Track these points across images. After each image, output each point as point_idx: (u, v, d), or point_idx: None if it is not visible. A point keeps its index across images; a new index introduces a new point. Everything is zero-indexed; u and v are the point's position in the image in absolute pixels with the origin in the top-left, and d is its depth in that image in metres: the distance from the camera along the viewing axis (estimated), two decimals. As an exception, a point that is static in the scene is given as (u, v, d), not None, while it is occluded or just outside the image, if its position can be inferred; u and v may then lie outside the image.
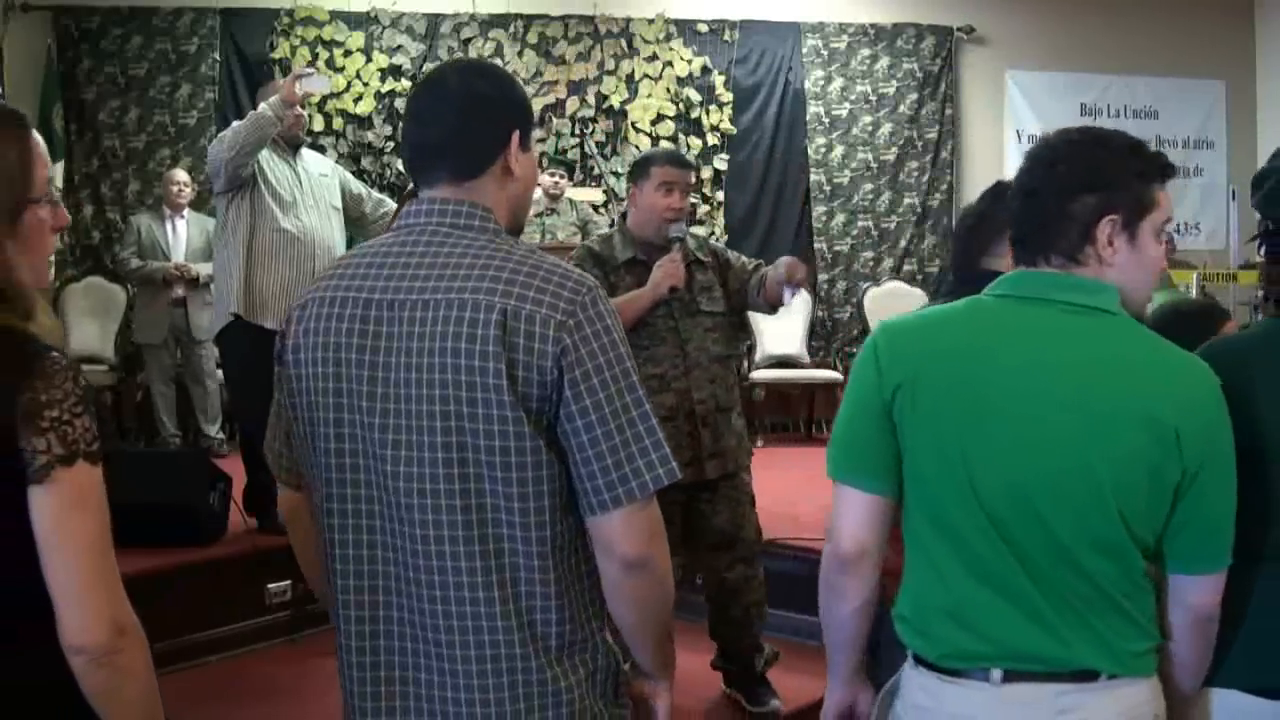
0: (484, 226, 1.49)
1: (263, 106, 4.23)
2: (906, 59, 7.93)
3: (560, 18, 7.60)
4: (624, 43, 7.65)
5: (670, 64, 7.67)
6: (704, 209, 7.65)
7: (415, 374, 1.42)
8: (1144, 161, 1.55)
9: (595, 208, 7.12)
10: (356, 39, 7.39)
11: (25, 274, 1.39)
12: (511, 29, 7.55)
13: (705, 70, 7.71)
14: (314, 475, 1.52)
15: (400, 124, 7.78)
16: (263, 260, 4.32)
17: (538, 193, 6.10)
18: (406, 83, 7.39)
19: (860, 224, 7.92)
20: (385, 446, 1.43)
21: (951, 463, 1.50)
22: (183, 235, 6.46)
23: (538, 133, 5.68)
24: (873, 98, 7.92)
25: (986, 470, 1.48)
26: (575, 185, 6.97)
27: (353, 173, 5.50)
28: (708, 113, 7.71)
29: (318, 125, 7.22)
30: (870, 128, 7.91)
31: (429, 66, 7.35)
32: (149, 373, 6.54)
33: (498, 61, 7.23)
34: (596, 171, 7.56)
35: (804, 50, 7.82)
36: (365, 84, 7.38)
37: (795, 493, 5.03)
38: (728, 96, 7.73)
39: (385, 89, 7.40)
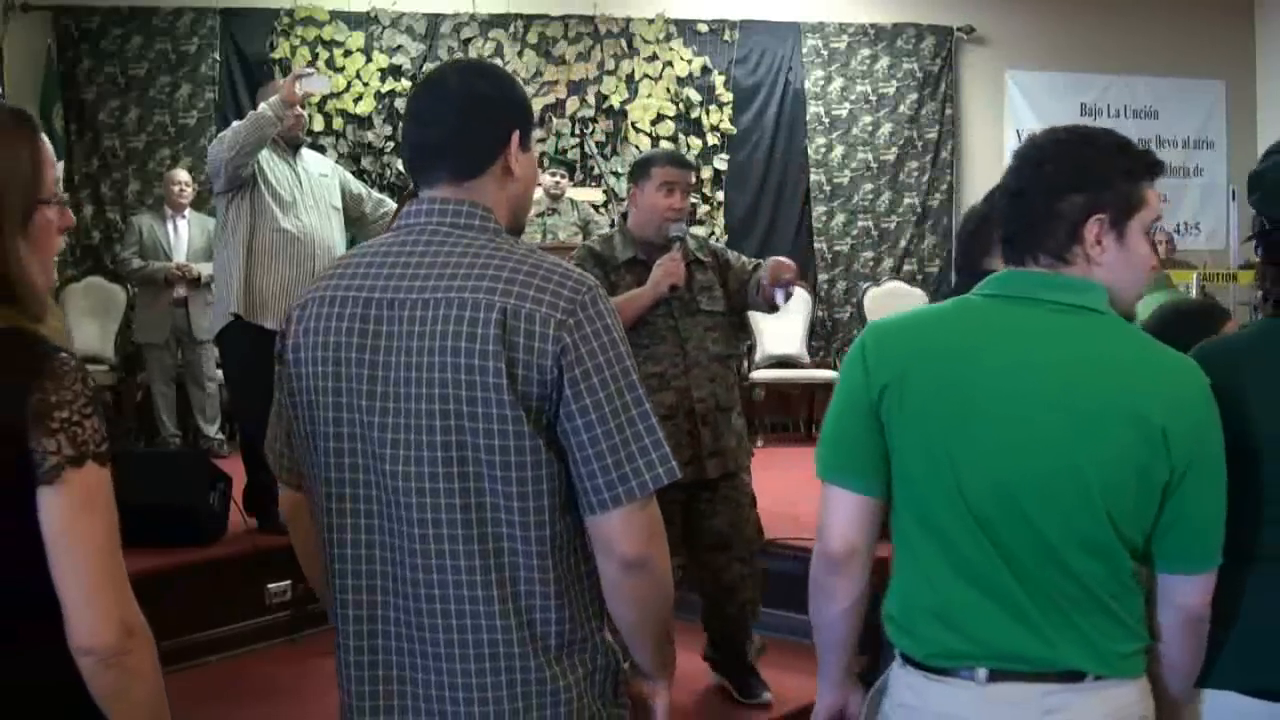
0: (484, 226, 1.49)
1: (263, 106, 4.23)
2: (906, 59, 7.94)
3: (560, 18, 7.60)
4: (624, 43, 7.65)
5: (670, 64, 7.67)
6: (704, 209, 7.65)
7: (415, 373, 1.42)
8: (1132, 160, 1.54)
9: (595, 207, 7.13)
10: (356, 39, 7.39)
11: (37, 275, 1.40)
12: (511, 29, 7.55)
13: (705, 70, 7.72)
14: (314, 475, 1.52)
15: (400, 124, 7.77)
16: (263, 260, 4.32)
17: (539, 193, 6.11)
18: (406, 83, 7.39)
19: (860, 224, 7.92)
20: (385, 446, 1.43)
21: (938, 463, 1.50)
22: (184, 235, 6.46)
23: (538, 133, 5.69)
24: (873, 98, 7.92)
25: (973, 471, 1.48)
26: (575, 185, 6.98)
27: (353, 173, 5.50)
28: (708, 113, 7.71)
29: (318, 125, 7.22)
30: (870, 128, 7.91)
31: (429, 66, 7.35)
32: (150, 373, 6.54)
33: (498, 61, 7.23)
34: (596, 171, 7.56)
35: (804, 50, 7.82)
36: (365, 84, 7.38)
37: (795, 493, 5.02)
38: (728, 96, 7.73)
39: (385, 89, 7.40)
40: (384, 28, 7.44)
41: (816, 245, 7.83)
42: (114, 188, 7.24)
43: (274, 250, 4.33)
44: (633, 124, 7.61)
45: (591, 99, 7.60)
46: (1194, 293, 6.05)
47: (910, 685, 1.55)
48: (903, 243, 7.94)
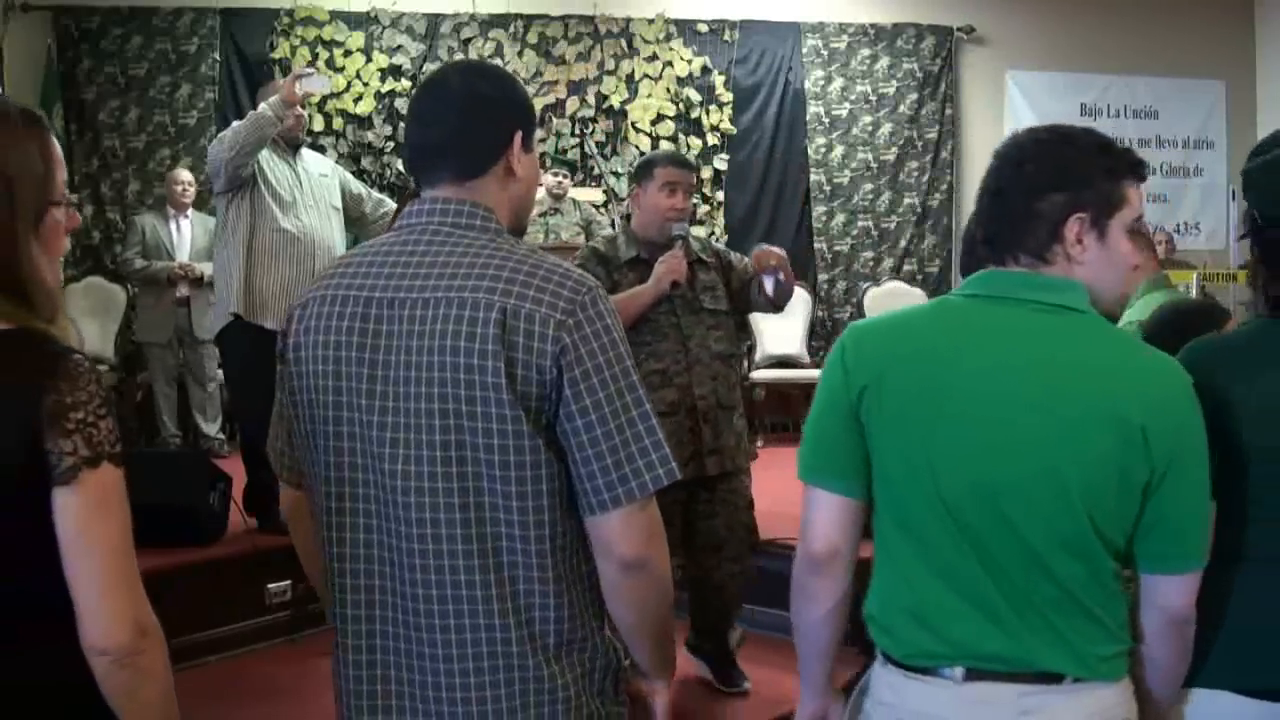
0: (485, 226, 1.50)
1: (263, 106, 4.23)
2: (906, 59, 7.94)
3: (560, 18, 7.60)
4: (624, 43, 7.65)
5: (670, 64, 7.67)
6: (704, 209, 7.65)
7: (415, 372, 1.42)
8: (1113, 159, 1.53)
9: (596, 207, 7.13)
10: (356, 39, 7.39)
11: (49, 275, 1.40)
12: (511, 29, 7.55)
13: (705, 70, 7.72)
14: (314, 474, 1.52)
15: (400, 124, 7.80)
16: (263, 260, 4.32)
17: (541, 193, 6.11)
18: (406, 83, 7.39)
19: (860, 224, 7.92)
20: (384, 445, 1.43)
21: (916, 464, 1.49)
22: (187, 235, 6.47)
23: (538, 133, 5.65)
24: (873, 98, 7.92)
25: (952, 472, 1.47)
26: (575, 185, 6.98)
27: (353, 173, 5.50)
28: (708, 113, 7.71)
29: (318, 125, 7.22)
30: (870, 128, 7.91)
31: (429, 66, 7.36)
32: (152, 372, 6.54)
33: (498, 61, 7.24)
34: (596, 171, 7.56)
35: (804, 50, 7.82)
36: (365, 84, 7.39)
37: (794, 493, 4.99)
38: (728, 96, 7.73)
39: (385, 89, 7.40)
40: (384, 28, 7.44)
41: (816, 245, 7.83)
42: (114, 188, 7.24)
43: (274, 250, 4.33)
44: (633, 124, 7.61)
45: (591, 99, 7.60)
46: (1194, 293, 6.05)
47: (890, 684, 1.55)
48: (903, 243, 7.94)
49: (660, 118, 7.63)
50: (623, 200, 7.37)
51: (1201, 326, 2.07)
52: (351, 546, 1.48)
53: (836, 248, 7.89)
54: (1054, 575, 1.45)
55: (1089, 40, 8.06)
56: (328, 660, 1.56)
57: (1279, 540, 1.61)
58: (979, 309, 1.53)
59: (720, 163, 7.70)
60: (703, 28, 7.74)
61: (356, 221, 4.71)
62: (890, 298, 7.48)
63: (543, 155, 7.03)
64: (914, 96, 7.94)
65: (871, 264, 7.93)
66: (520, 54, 7.52)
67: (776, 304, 3.43)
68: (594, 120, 7.61)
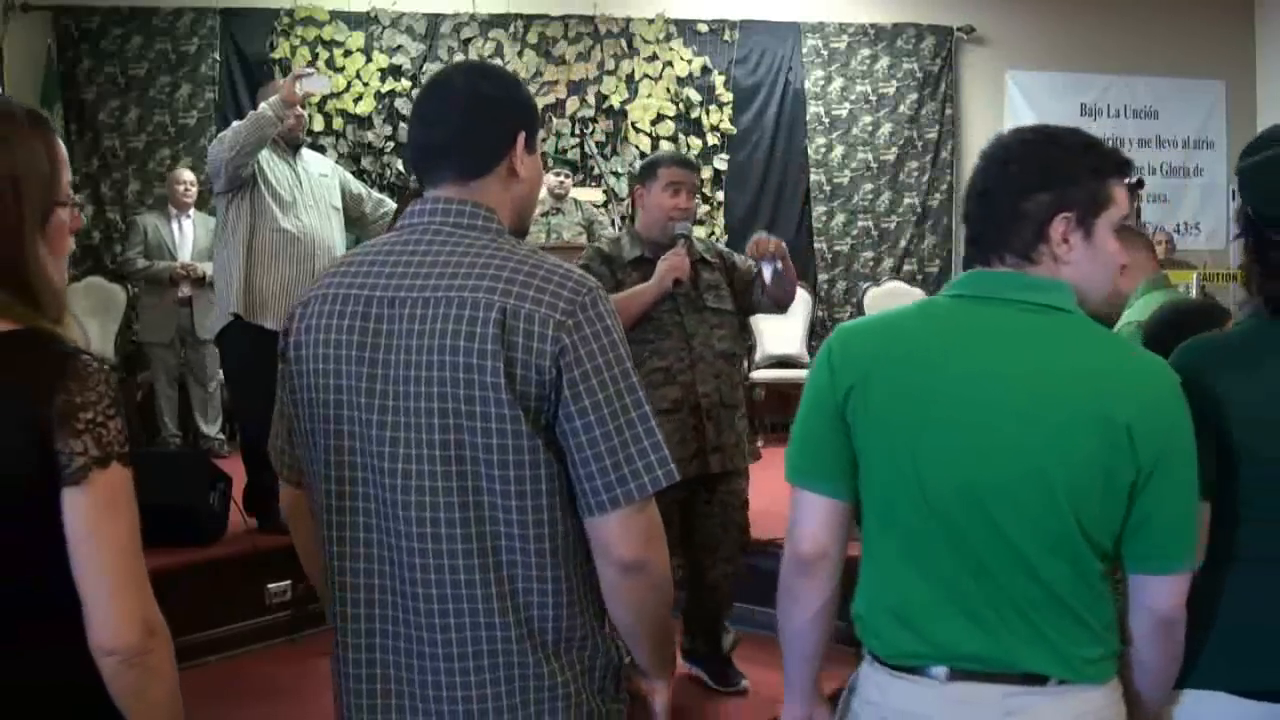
0: (486, 226, 1.50)
1: (263, 106, 4.24)
2: (906, 59, 7.94)
3: (560, 18, 7.60)
4: (624, 43, 7.65)
5: (670, 64, 7.67)
6: (704, 209, 7.65)
7: (414, 372, 1.42)
8: (1099, 158, 1.53)
9: (597, 207, 7.13)
10: (356, 39, 7.39)
11: (56, 276, 1.40)
12: (511, 29, 7.55)
13: (705, 70, 7.72)
14: (313, 472, 1.52)
15: (400, 124, 7.80)
16: (263, 260, 4.33)
17: (543, 192, 6.11)
18: (406, 83, 7.39)
19: (860, 224, 7.92)
20: (384, 444, 1.44)
21: (902, 467, 1.49)
22: (189, 235, 6.47)
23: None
24: (873, 98, 7.92)
25: (938, 476, 1.47)
26: (575, 185, 6.98)
27: (353, 173, 5.51)
28: (708, 113, 7.71)
29: (318, 125, 7.23)
30: (870, 128, 7.91)
31: (429, 66, 7.37)
32: (154, 372, 6.54)
33: (497, 61, 7.24)
34: (596, 171, 7.56)
35: (804, 50, 7.82)
36: (365, 84, 7.39)
37: (794, 493, 5.02)
38: (728, 96, 7.73)
39: (385, 89, 7.40)
40: (384, 28, 7.44)
41: (816, 245, 7.83)
42: (114, 188, 7.24)
43: (274, 250, 4.33)
44: (633, 124, 7.61)
45: (591, 99, 7.60)
46: (1194, 293, 6.04)
47: (876, 683, 1.55)
48: (903, 243, 7.94)
49: (660, 118, 7.63)
50: (623, 200, 7.38)
51: (1201, 326, 2.06)
52: (351, 545, 1.48)
53: (836, 248, 7.89)
54: (1040, 577, 1.45)
55: (1089, 40, 8.06)
56: (328, 660, 1.56)
57: (1271, 540, 1.61)
58: (965, 310, 1.53)
59: (720, 163, 7.70)
60: (703, 28, 7.74)
61: (356, 221, 4.71)
62: (890, 298, 7.48)
63: (543, 155, 7.02)
64: (914, 96, 7.94)
65: (871, 264, 7.93)
66: (520, 54, 7.52)
67: (780, 303, 3.47)
68: (594, 120, 7.61)
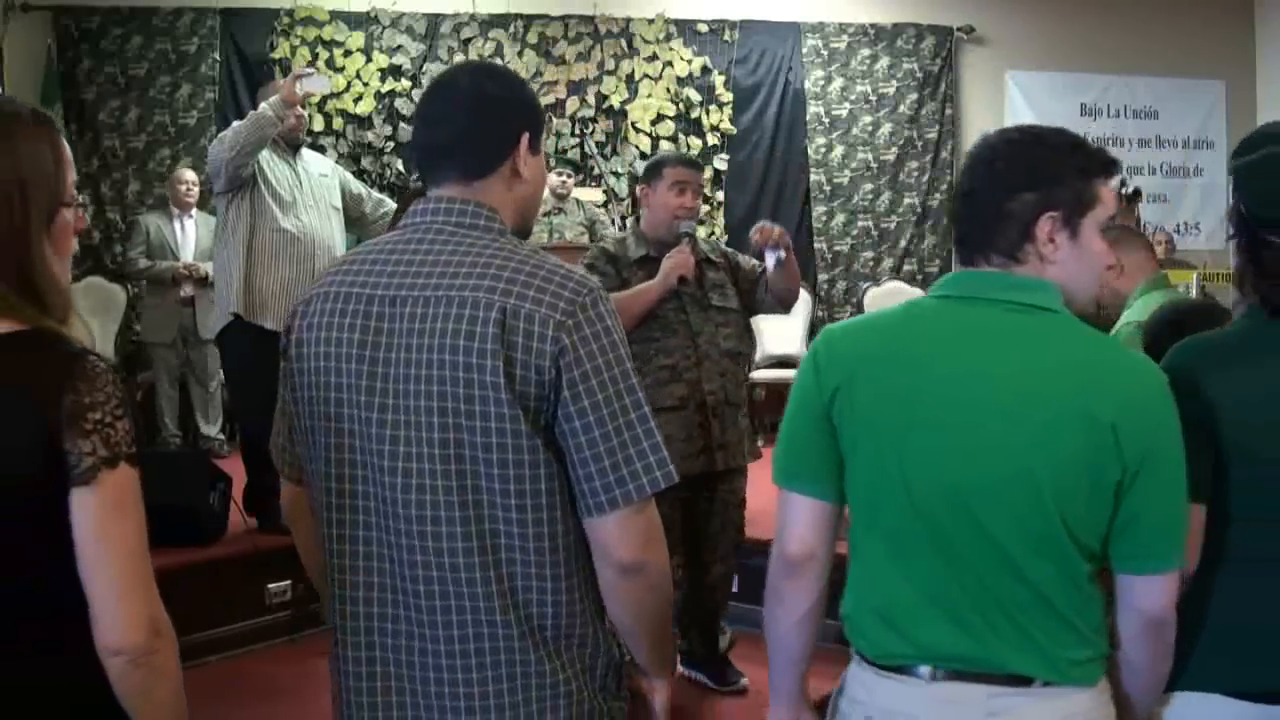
0: (489, 226, 1.50)
1: (263, 106, 4.24)
2: (906, 59, 7.94)
3: (560, 18, 7.60)
4: (624, 43, 7.65)
5: (670, 64, 7.68)
6: (704, 209, 7.64)
7: (414, 370, 1.42)
8: (1085, 158, 1.52)
9: (598, 207, 7.13)
10: (356, 39, 7.40)
11: (61, 276, 1.40)
12: (511, 29, 7.55)
13: (705, 70, 7.72)
14: (313, 470, 1.52)
15: (400, 124, 7.78)
16: (263, 260, 4.33)
17: (544, 192, 6.11)
18: (406, 83, 7.39)
19: (860, 224, 7.92)
20: (384, 442, 1.44)
21: (887, 468, 1.49)
22: (191, 234, 6.46)
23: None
24: (873, 98, 7.92)
25: (923, 477, 1.47)
26: (575, 185, 6.98)
27: (353, 173, 5.51)
28: (708, 113, 7.71)
29: (318, 125, 7.23)
30: (870, 128, 7.92)
31: (429, 66, 7.37)
32: (155, 372, 6.54)
33: (497, 61, 7.24)
34: (596, 171, 7.56)
35: (804, 50, 7.82)
36: (365, 84, 7.39)
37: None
38: (728, 96, 7.74)
39: (385, 89, 7.40)
40: (384, 28, 7.44)
41: (816, 245, 7.83)
42: (114, 188, 7.24)
43: (274, 250, 4.33)
44: (633, 124, 7.61)
45: (591, 99, 7.60)
46: (1194, 293, 6.04)
47: (863, 682, 1.54)
48: (903, 243, 7.94)
49: (660, 118, 7.63)
50: (622, 200, 7.38)
51: (1201, 326, 2.06)
52: (351, 543, 1.49)
53: (836, 248, 7.89)
54: (1026, 578, 1.44)
55: (1089, 40, 8.06)
56: (327, 660, 1.56)
57: (1266, 541, 1.60)
58: (951, 310, 1.53)
59: (720, 163, 7.71)
60: (703, 28, 7.74)
61: (356, 221, 4.71)
62: (890, 298, 7.48)
63: (545, 156, 7.02)
64: (914, 96, 7.94)
65: (871, 264, 7.93)
66: (520, 54, 7.52)
67: (783, 300, 3.52)
68: (594, 120, 7.61)
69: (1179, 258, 7.22)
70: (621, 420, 1.41)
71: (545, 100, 7.48)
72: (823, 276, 7.83)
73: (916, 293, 7.53)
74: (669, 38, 7.69)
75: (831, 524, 1.58)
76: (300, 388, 1.51)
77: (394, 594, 1.46)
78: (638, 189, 3.59)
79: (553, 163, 6.85)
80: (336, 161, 5.86)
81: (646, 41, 7.67)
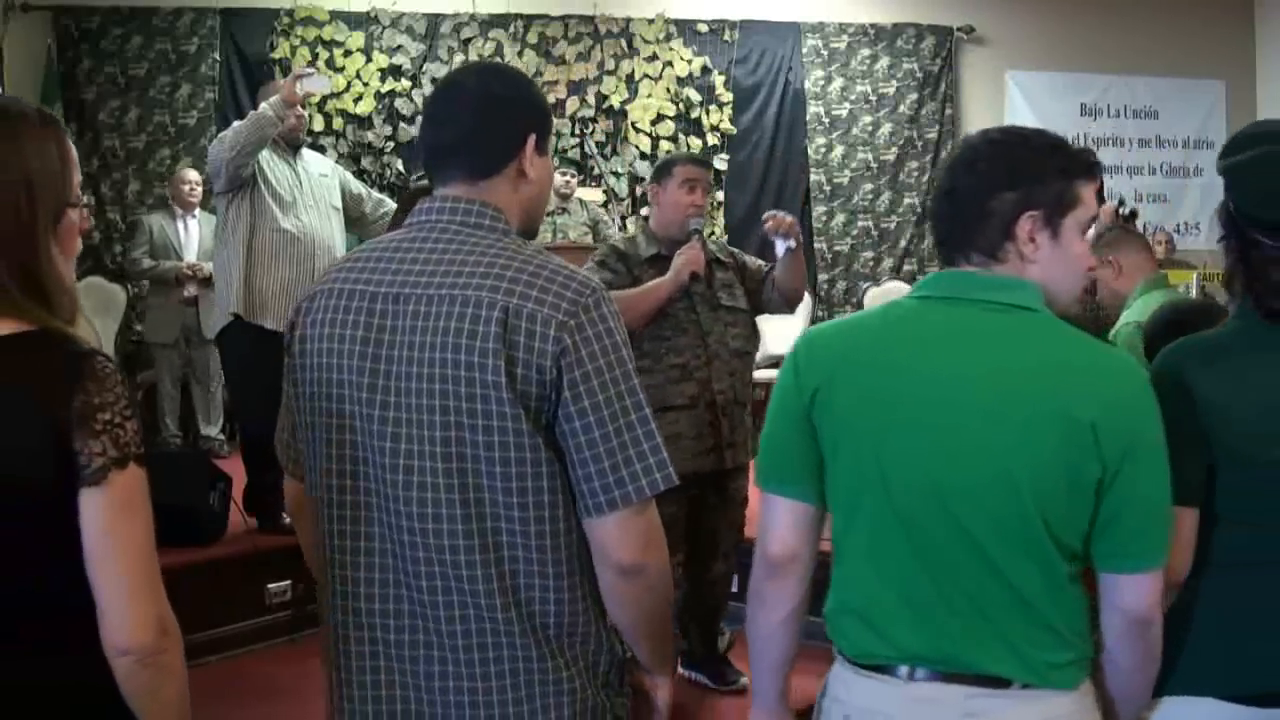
0: (493, 226, 1.50)
1: (263, 106, 4.24)
2: (906, 59, 7.94)
3: (560, 18, 7.60)
4: (624, 43, 7.65)
5: (670, 64, 7.68)
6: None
7: (416, 368, 1.42)
8: (1067, 158, 1.52)
9: (601, 207, 7.14)
10: (356, 39, 7.40)
11: (68, 276, 1.40)
12: (511, 29, 7.55)
13: (705, 70, 7.72)
14: (315, 466, 1.52)
15: (400, 124, 7.75)
16: (263, 260, 4.33)
17: (549, 192, 6.11)
18: (406, 83, 7.40)
19: (860, 224, 7.93)
20: (385, 439, 1.44)
21: (866, 469, 1.49)
22: (194, 234, 6.46)
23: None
24: (873, 98, 7.92)
25: (903, 478, 1.47)
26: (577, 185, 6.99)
27: (353, 173, 5.51)
28: (708, 113, 7.71)
29: (318, 125, 7.23)
30: (870, 128, 7.92)
31: (429, 66, 7.38)
32: (158, 372, 6.54)
33: (497, 61, 7.24)
34: (596, 171, 7.56)
35: (804, 50, 7.83)
36: (365, 84, 7.39)
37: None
38: (728, 96, 7.74)
39: (385, 89, 7.40)
40: (384, 28, 7.45)
41: (816, 245, 7.83)
42: (114, 188, 7.25)
43: (274, 250, 4.33)
44: (633, 124, 7.61)
45: (591, 99, 7.60)
46: (1194, 293, 6.04)
47: (843, 681, 1.55)
48: (903, 243, 7.94)
49: (660, 118, 7.64)
50: (622, 200, 7.38)
51: (1201, 326, 2.05)
52: (354, 538, 1.49)
53: (836, 248, 7.89)
54: (1005, 579, 1.44)
55: (1089, 40, 8.06)
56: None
57: (1260, 544, 1.59)
58: (930, 310, 1.53)
59: (720, 163, 7.70)
60: (703, 28, 7.74)
61: (356, 221, 4.72)
62: (890, 298, 7.46)
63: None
64: (914, 96, 7.94)
65: (871, 264, 7.93)
66: (520, 54, 7.52)
67: (789, 299, 3.57)
68: (594, 120, 7.62)
69: (1179, 258, 7.22)
70: (622, 421, 1.41)
71: (545, 100, 7.47)
72: (823, 276, 7.84)
73: (916, 293, 7.57)
74: (669, 38, 7.69)
75: (814, 526, 1.58)
76: (303, 383, 1.51)
77: (397, 589, 1.47)
78: (647, 189, 3.65)
79: (556, 163, 6.85)
80: (336, 161, 5.86)
81: (646, 41, 7.67)
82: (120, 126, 7.25)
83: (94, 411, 1.31)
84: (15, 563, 1.32)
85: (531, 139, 1.54)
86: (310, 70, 4.55)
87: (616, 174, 7.54)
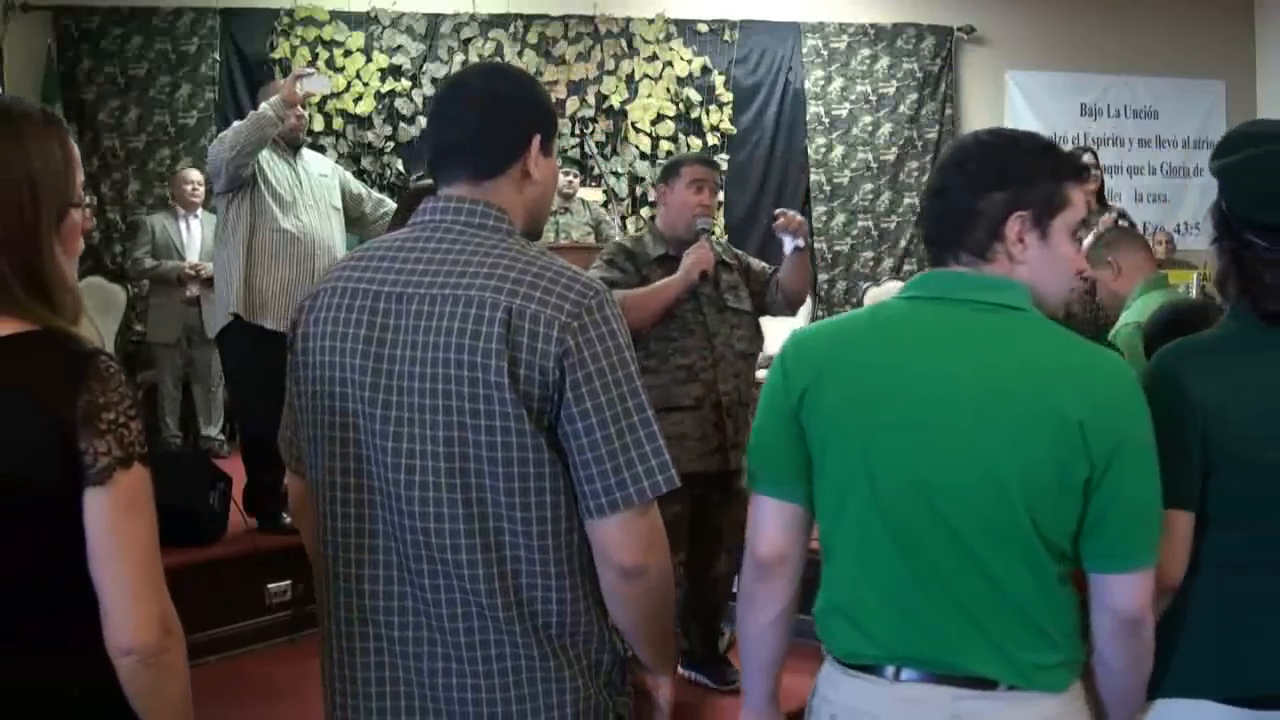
0: (497, 226, 1.50)
1: (263, 106, 4.24)
2: (906, 59, 7.94)
3: (560, 18, 7.60)
4: (624, 43, 7.65)
5: (670, 64, 7.68)
6: (704, 209, 7.65)
7: (419, 368, 1.43)
8: (1056, 160, 1.53)
9: (602, 207, 7.14)
10: (356, 39, 7.40)
11: (71, 276, 1.40)
12: (511, 29, 7.55)
13: (705, 70, 7.72)
14: (316, 464, 1.52)
15: (400, 124, 7.75)
16: (263, 260, 4.32)
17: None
18: (406, 83, 7.40)
19: (860, 224, 7.93)
20: (387, 438, 1.44)
21: (854, 469, 1.49)
22: (197, 234, 6.45)
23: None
24: (873, 98, 7.92)
25: (890, 478, 1.46)
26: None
27: (353, 173, 5.51)
28: (708, 113, 7.72)
29: (318, 125, 7.23)
30: (870, 128, 7.92)
31: (429, 66, 7.38)
32: (159, 372, 6.54)
33: (503, 62, 7.24)
34: (596, 171, 7.56)
35: (804, 50, 7.83)
36: (365, 84, 7.39)
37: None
38: (728, 96, 7.74)
39: (385, 89, 7.41)
40: (384, 28, 7.45)
41: (816, 245, 7.83)
42: (114, 188, 7.25)
43: (274, 250, 4.33)
44: (633, 124, 7.61)
45: (591, 99, 7.60)
46: (1194, 293, 6.04)
47: (832, 680, 1.55)
48: (903, 243, 7.94)
49: (660, 118, 7.64)
50: (622, 200, 7.38)
51: (1200, 326, 2.04)
52: (357, 536, 1.49)
53: (836, 248, 7.89)
54: (993, 579, 1.43)
55: (1089, 40, 8.06)
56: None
57: (1251, 546, 1.58)
58: (918, 311, 1.53)
59: (720, 163, 7.70)
60: (703, 28, 7.74)
61: (357, 221, 4.71)
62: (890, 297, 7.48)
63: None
64: (914, 96, 7.95)
65: (871, 264, 7.93)
66: (520, 54, 7.52)
67: (792, 301, 3.59)
68: (594, 120, 7.62)
69: (1179, 258, 7.22)
70: (624, 423, 1.41)
71: (545, 100, 7.47)
72: (823, 276, 7.84)
73: (916, 293, 7.57)
74: (669, 38, 7.69)
75: (803, 526, 1.58)
76: (305, 382, 1.52)
77: (401, 585, 1.47)
78: (655, 189, 3.65)
79: (559, 162, 6.86)
80: (336, 161, 5.86)
81: (646, 41, 7.67)
82: (120, 126, 7.25)
83: (98, 411, 1.31)
84: (16, 563, 1.32)
85: (536, 140, 1.54)
86: (310, 70, 4.55)
87: (616, 174, 7.54)
